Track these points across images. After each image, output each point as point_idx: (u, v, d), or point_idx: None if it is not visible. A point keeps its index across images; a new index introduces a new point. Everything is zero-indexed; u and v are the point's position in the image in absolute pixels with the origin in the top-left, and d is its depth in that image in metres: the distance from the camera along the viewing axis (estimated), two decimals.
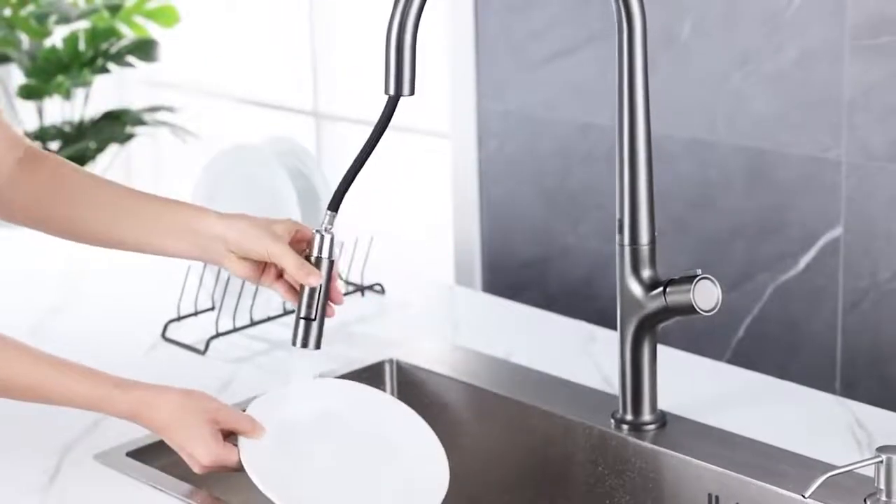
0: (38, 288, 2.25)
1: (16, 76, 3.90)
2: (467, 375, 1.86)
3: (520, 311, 2.14)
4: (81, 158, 3.53)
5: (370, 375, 1.88)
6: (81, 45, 3.56)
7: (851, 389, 2.09)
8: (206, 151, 2.38)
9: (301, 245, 1.60)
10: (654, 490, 1.65)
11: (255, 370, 1.92)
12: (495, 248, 2.57)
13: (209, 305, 2.06)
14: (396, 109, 1.52)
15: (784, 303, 2.17)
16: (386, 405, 1.64)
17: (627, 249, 1.64)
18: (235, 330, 2.01)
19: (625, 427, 1.69)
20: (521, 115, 2.47)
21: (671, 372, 1.78)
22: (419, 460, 1.59)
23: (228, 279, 2.00)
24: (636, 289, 1.64)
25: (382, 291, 2.17)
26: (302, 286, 1.57)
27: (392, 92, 1.51)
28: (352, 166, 1.55)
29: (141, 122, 3.60)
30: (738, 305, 2.22)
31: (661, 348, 1.70)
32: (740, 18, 2.14)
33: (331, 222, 1.57)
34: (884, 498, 1.41)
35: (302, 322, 1.57)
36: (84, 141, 3.55)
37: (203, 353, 1.97)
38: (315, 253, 1.57)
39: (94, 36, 3.55)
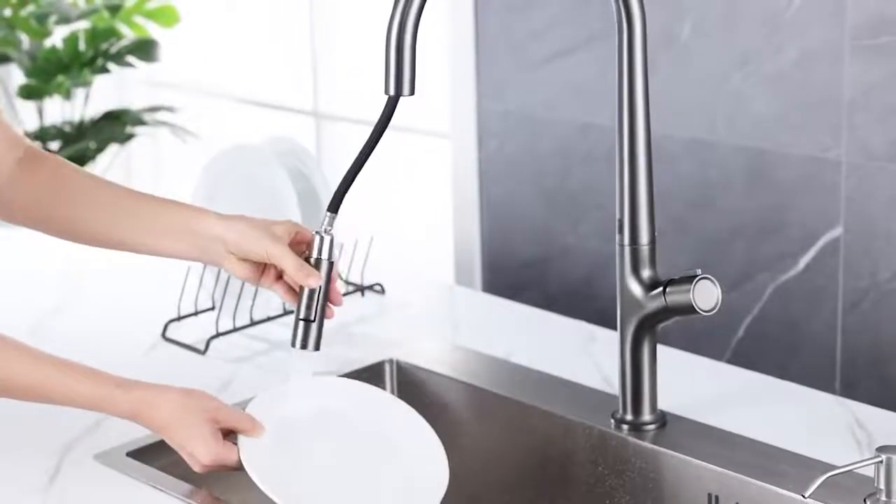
0: (38, 288, 2.25)
1: (16, 76, 3.90)
2: (467, 375, 1.86)
3: (520, 311, 2.14)
4: (81, 158, 3.53)
5: (370, 375, 1.88)
6: (81, 46, 3.56)
7: (851, 389, 2.09)
8: (206, 151, 2.38)
9: (301, 246, 1.60)
10: (654, 490, 1.65)
11: (255, 370, 1.92)
12: (495, 248, 2.57)
13: (209, 305, 2.06)
14: (396, 109, 1.52)
15: (784, 303, 2.17)
16: (386, 403, 1.64)
17: (627, 249, 1.64)
18: (235, 330, 2.01)
19: (625, 427, 1.69)
20: (521, 115, 2.47)
21: (671, 372, 1.78)
22: (419, 459, 1.59)
23: (228, 279, 2.00)
24: (636, 289, 1.64)
25: (382, 291, 2.17)
26: (301, 287, 1.57)
27: (392, 92, 1.51)
28: (352, 167, 1.55)
29: (141, 122, 3.60)
30: (737, 305, 2.22)
31: (661, 348, 1.70)
32: (740, 19, 2.14)
33: (330, 223, 1.57)
34: (883, 498, 1.41)
35: (301, 323, 1.57)
36: (84, 141, 3.55)
37: (203, 353, 1.97)
38: (315, 254, 1.57)
39: (95, 36, 3.55)
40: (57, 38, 3.64)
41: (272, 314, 2.05)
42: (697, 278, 1.59)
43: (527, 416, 1.77)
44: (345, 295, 2.08)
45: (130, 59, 3.56)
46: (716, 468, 1.60)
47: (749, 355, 2.21)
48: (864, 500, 1.44)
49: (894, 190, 2.02)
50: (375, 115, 1.53)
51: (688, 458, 1.62)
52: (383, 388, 1.90)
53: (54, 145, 3.60)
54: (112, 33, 3.56)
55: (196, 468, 1.54)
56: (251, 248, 1.58)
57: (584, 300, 2.42)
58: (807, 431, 1.68)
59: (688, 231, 2.26)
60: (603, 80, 2.31)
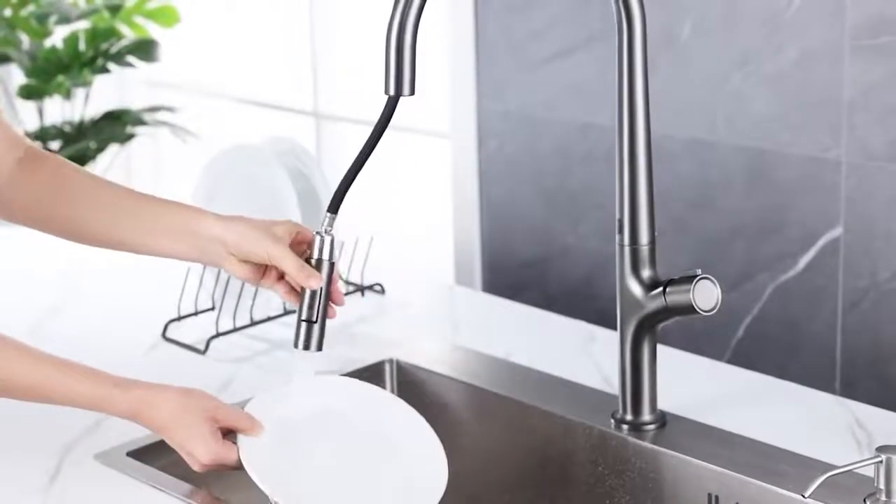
0: (37, 288, 2.25)
1: (16, 76, 3.90)
2: (467, 375, 1.87)
3: (520, 311, 2.14)
4: (82, 158, 3.53)
5: (370, 375, 1.88)
6: (82, 46, 3.56)
7: (851, 389, 2.09)
8: (206, 151, 2.38)
9: (302, 247, 1.60)
10: (654, 490, 1.65)
11: (255, 370, 1.92)
12: (495, 248, 2.57)
13: (209, 305, 2.06)
14: (396, 109, 1.52)
15: (784, 303, 2.17)
16: (386, 403, 1.64)
17: (627, 249, 1.64)
18: (235, 330, 2.01)
19: (625, 427, 1.69)
20: (521, 115, 2.47)
21: (671, 372, 1.78)
22: (418, 458, 1.59)
23: (228, 279, 2.00)
24: (636, 289, 1.64)
25: (382, 291, 2.17)
26: (303, 288, 1.57)
27: (392, 92, 1.51)
28: (351, 167, 1.55)
29: (141, 122, 3.60)
30: (737, 305, 2.22)
31: (661, 348, 1.70)
32: (740, 19, 2.14)
33: (331, 224, 1.57)
34: (883, 498, 1.41)
35: (303, 324, 1.57)
36: (84, 141, 3.55)
37: (203, 352, 1.97)
38: (315, 255, 1.57)
39: (95, 36, 3.55)
40: (57, 38, 3.64)
41: (272, 314, 2.05)
42: (697, 278, 1.59)
43: (527, 416, 1.77)
44: (345, 295, 2.08)
45: (130, 59, 3.56)
46: (716, 468, 1.60)
47: (749, 355, 2.21)
48: (864, 500, 1.44)
49: (894, 190, 2.02)
50: (375, 115, 1.53)
51: (688, 457, 1.62)
52: (383, 388, 1.90)
53: (54, 145, 3.60)
54: (112, 33, 3.56)
55: (195, 467, 1.54)
56: (252, 250, 1.58)
57: (584, 300, 2.42)
58: (807, 431, 1.68)
59: (688, 231, 2.26)
60: (603, 80, 2.31)
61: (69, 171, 1.68)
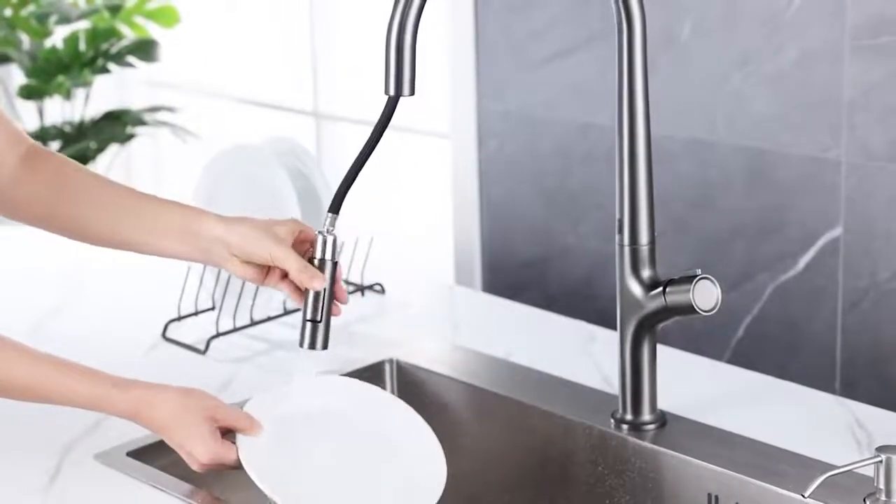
0: (38, 288, 2.25)
1: (16, 76, 3.90)
2: (467, 375, 1.87)
3: (520, 311, 2.14)
4: (82, 158, 3.53)
5: (370, 375, 1.88)
6: (82, 46, 3.56)
7: (851, 389, 2.10)
8: (206, 151, 2.38)
9: (304, 245, 1.60)
10: (654, 490, 1.65)
11: (255, 370, 1.92)
12: (495, 248, 2.57)
13: (209, 305, 2.06)
14: (396, 110, 1.52)
15: (784, 303, 2.17)
16: (384, 402, 1.64)
17: (627, 249, 1.64)
18: (236, 330, 2.01)
19: (625, 427, 1.69)
20: (521, 115, 2.48)
21: (671, 372, 1.78)
22: (417, 458, 1.59)
23: (229, 279, 2.00)
24: (636, 289, 1.64)
25: (382, 291, 2.17)
26: (307, 288, 1.57)
27: (392, 92, 1.51)
28: (352, 167, 1.55)
29: (141, 123, 3.60)
30: (737, 305, 2.22)
31: (661, 348, 1.70)
32: (740, 19, 2.14)
33: (332, 224, 1.57)
34: (883, 498, 1.41)
35: (308, 324, 1.57)
36: (84, 141, 3.55)
37: (203, 352, 1.97)
38: (318, 255, 1.57)
39: (95, 36, 3.55)
40: (57, 38, 3.64)
41: (272, 314, 2.05)
42: (697, 278, 1.59)
43: (527, 416, 1.77)
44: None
45: (131, 59, 3.56)
46: (715, 468, 1.60)
47: (749, 355, 2.21)
48: (864, 500, 1.44)
49: (894, 190, 2.02)
50: (375, 116, 1.53)
51: (688, 457, 1.62)
52: (383, 387, 1.90)
53: (55, 145, 3.60)
54: (112, 33, 3.56)
55: (195, 467, 1.54)
56: (254, 251, 1.58)
57: (584, 300, 2.42)
58: (807, 431, 1.68)
59: (688, 231, 2.26)
60: (603, 80, 2.31)
61: (71, 169, 1.68)
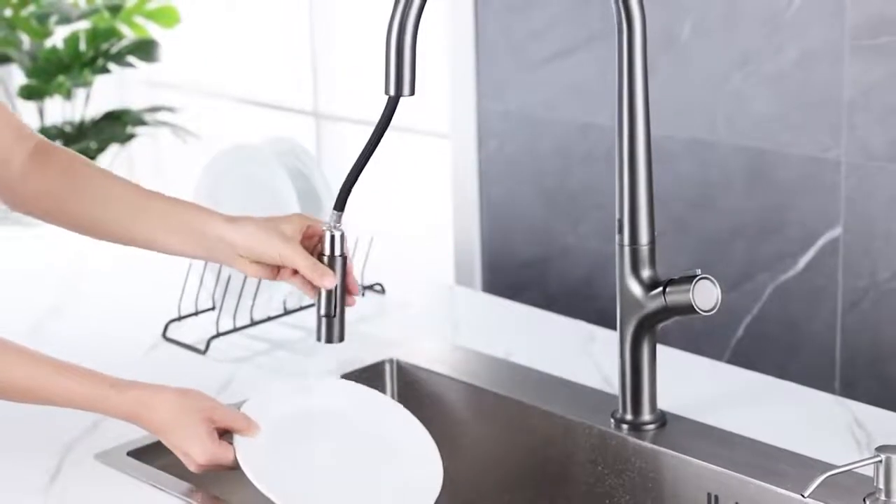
0: (38, 288, 2.25)
1: (16, 76, 3.90)
2: (467, 375, 1.87)
3: (520, 311, 2.14)
4: None
5: (370, 375, 1.88)
6: (82, 46, 3.55)
7: (851, 389, 2.10)
8: (206, 151, 2.38)
9: (313, 240, 1.61)
10: (654, 490, 1.65)
11: (256, 370, 1.92)
12: (495, 248, 2.57)
13: (210, 305, 2.06)
14: (396, 110, 1.52)
15: (783, 303, 2.17)
16: (380, 404, 1.65)
17: (627, 249, 1.64)
18: (236, 330, 2.01)
19: (624, 427, 1.69)
20: (521, 115, 2.48)
21: (671, 372, 1.78)
22: (413, 459, 1.59)
23: (229, 279, 2.00)
24: (636, 289, 1.64)
25: (382, 291, 2.17)
26: None
27: (392, 92, 1.51)
28: (354, 167, 1.56)
29: (141, 123, 3.60)
30: (737, 305, 2.22)
31: (660, 348, 1.71)
32: (740, 19, 2.14)
33: (338, 220, 1.58)
34: (883, 497, 1.41)
35: (324, 319, 1.59)
36: (85, 141, 3.55)
37: (204, 352, 1.97)
38: (327, 251, 1.58)
39: (95, 36, 3.55)
40: (57, 38, 3.64)
41: (272, 314, 2.05)
42: (697, 278, 1.59)
43: (527, 416, 1.77)
44: None
45: (131, 59, 3.56)
46: (715, 468, 1.60)
47: (749, 355, 2.21)
48: (864, 500, 1.44)
49: (894, 190, 2.02)
50: (375, 116, 1.54)
51: (687, 457, 1.62)
52: (383, 387, 1.90)
53: None
54: (112, 33, 3.56)
55: (192, 468, 1.54)
56: (263, 251, 1.58)
57: (584, 300, 2.42)
58: (806, 431, 1.68)
59: (688, 231, 2.26)
60: (603, 80, 2.31)
61: (80, 165, 1.68)
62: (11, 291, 2.26)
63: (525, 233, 2.51)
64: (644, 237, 1.64)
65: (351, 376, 1.83)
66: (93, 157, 3.58)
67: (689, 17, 2.20)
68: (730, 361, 2.20)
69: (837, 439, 1.66)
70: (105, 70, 3.56)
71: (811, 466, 1.56)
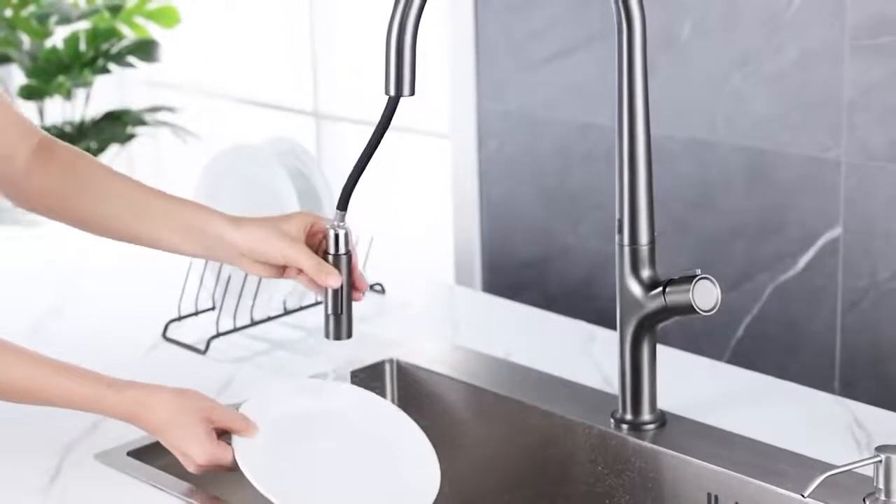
0: (38, 287, 2.25)
1: (16, 77, 3.90)
2: (467, 375, 1.87)
3: (520, 311, 2.14)
4: None
5: (370, 375, 1.88)
6: (82, 46, 3.55)
7: (850, 389, 2.10)
8: (207, 151, 2.38)
9: (317, 237, 1.60)
10: (654, 490, 1.65)
11: (256, 370, 1.92)
12: (495, 248, 2.57)
13: (210, 305, 2.06)
14: (397, 110, 1.52)
15: (783, 303, 2.17)
16: (377, 405, 1.65)
17: (627, 249, 1.64)
18: (236, 330, 2.01)
19: (624, 427, 1.69)
20: (521, 115, 2.48)
21: (671, 372, 1.78)
22: (411, 460, 1.59)
23: (229, 279, 2.00)
24: (636, 289, 1.64)
25: (382, 291, 2.17)
26: None
27: (392, 92, 1.51)
28: (356, 167, 1.56)
29: (142, 123, 3.60)
30: (737, 305, 2.22)
31: (660, 348, 1.71)
32: (740, 19, 2.14)
33: (342, 218, 1.58)
34: (882, 497, 1.41)
35: (331, 317, 1.59)
36: (85, 141, 3.55)
37: (204, 352, 1.97)
38: (332, 250, 1.58)
39: (95, 36, 3.55)
40: (58, 38, 3.64)
41: (272, 314, 2.05)
42: (697, 278, 1.59)
43: (527, 416, 1.77)
44: None
45: (131, 59, 3.56)
46: (715, 468, 1.60)
47: (749, 355, 2.21)
48: (864, 500, 1.44)
49: (894, 190, 2.02)
50: (375, 116, 1.54)
51: (687, 457, 1.62)
52: (383, 387, 1.90)
53: None
54: (113, 34, 3.56)
55: (190, 468, 1.54)
56: (267, 252, 1.58)
57: (584, 300, 2.42)
58: (806, 431, 1.68)
59: (688, 231, 2.26)
60: (603, 80, 2.31)
61: (85, 162, 1.67)
62: (11, 291, 2.26)
63: (525, 233, 2.51)
64: (644, 237, 1.64)
65: (351, 376, 1.83)
66: None
67: (689, 17, 2.20)
68: (730, 361, 2.20)
69: (837, 439, 1.66)
70: (105, 70, 3.56)
71: (811, 466, 1.56)
